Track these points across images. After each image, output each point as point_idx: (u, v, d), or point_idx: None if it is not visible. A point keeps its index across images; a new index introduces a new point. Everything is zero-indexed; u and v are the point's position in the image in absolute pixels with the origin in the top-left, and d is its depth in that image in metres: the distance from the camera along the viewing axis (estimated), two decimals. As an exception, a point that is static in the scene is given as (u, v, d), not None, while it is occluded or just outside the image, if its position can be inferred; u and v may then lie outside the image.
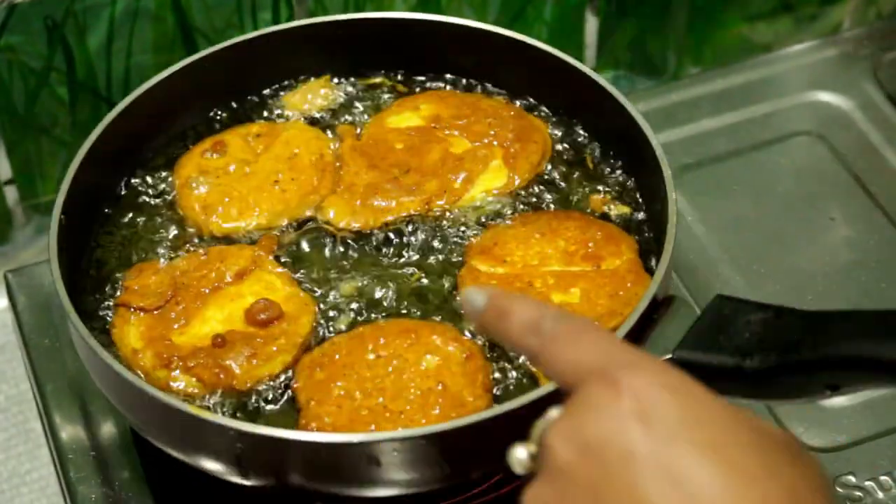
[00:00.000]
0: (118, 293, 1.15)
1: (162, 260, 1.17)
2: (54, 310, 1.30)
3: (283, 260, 1.17)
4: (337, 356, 1.09)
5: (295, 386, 1.09)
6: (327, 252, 1.18)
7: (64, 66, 1.46)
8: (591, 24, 1.65)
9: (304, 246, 1.19)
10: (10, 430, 1.48)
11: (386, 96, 1.31)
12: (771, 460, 0.74)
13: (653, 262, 1.16)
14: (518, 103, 1.29)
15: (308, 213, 1.20)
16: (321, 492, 1.05)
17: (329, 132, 1.27)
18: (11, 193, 1.52)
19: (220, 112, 1.29)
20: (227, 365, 1.08)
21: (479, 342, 1.11)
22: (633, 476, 0.73)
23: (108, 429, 1.23)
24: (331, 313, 1.14)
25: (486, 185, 1.21)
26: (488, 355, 1.10)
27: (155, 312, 1.12)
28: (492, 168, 1.22)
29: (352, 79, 1.32)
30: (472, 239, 1.18)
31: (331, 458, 1.00)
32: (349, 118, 1.28)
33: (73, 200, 1.15)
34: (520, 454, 0.81)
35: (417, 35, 1.29)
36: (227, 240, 1.19)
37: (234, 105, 1.30)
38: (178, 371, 1.08)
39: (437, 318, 1.13)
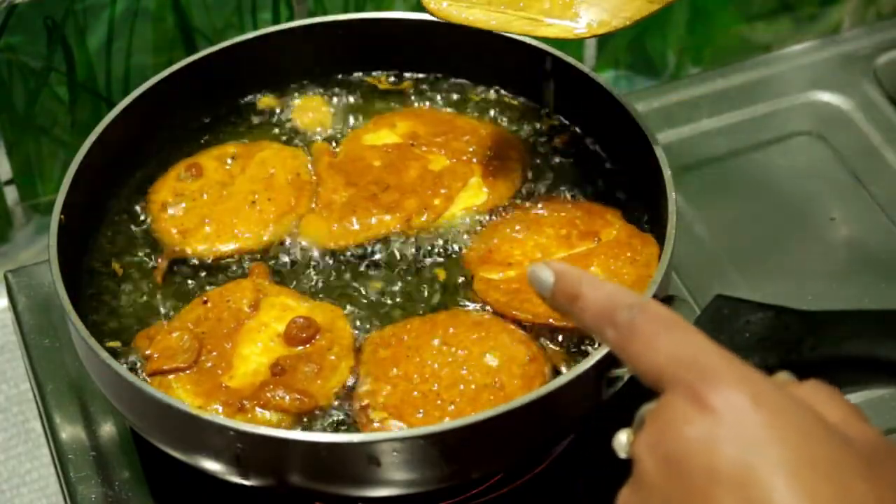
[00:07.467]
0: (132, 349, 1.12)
1: (164, 321, 1.14)
2: (54, 310, 1.30)
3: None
4: (405, 338, 1.09)
5: (360, 357, 1.09)
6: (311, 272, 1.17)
7: (64, 66, 1.46)
8: (591, 24, 1.64)
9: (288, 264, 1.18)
10: (10, 430, 1.48)
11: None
12: (845, 483, 0.73)
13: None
14: (522, 100, 1.29)
15: (287, 237, 1.18)
16: (321, 492, 1.05)
17: (307, 151, 1.26)
18: (11, 193, 1.52)
19: (219, 112, 1.30)
20: (303, 388, 1.07)
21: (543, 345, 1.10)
22: (712, 492, 0.73)
23: (108, 429, 1.23)
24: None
25: (466, 203, 1.20)
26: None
27: (187, 372, 1.09)
28: (471, 185, 1.21)
29: (356, 74, 1.32)
30: (464, 251, 1.18)
31: (331, 458, 1.00)
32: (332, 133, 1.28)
33: (73, 200, 1.15)
34: (622, 439, 0.81)
35: (417, 35, 1.29)
36: (205, 265, 1.18)
37: (232, 106, 1.30)
38: (259, 410, 1.06)
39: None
